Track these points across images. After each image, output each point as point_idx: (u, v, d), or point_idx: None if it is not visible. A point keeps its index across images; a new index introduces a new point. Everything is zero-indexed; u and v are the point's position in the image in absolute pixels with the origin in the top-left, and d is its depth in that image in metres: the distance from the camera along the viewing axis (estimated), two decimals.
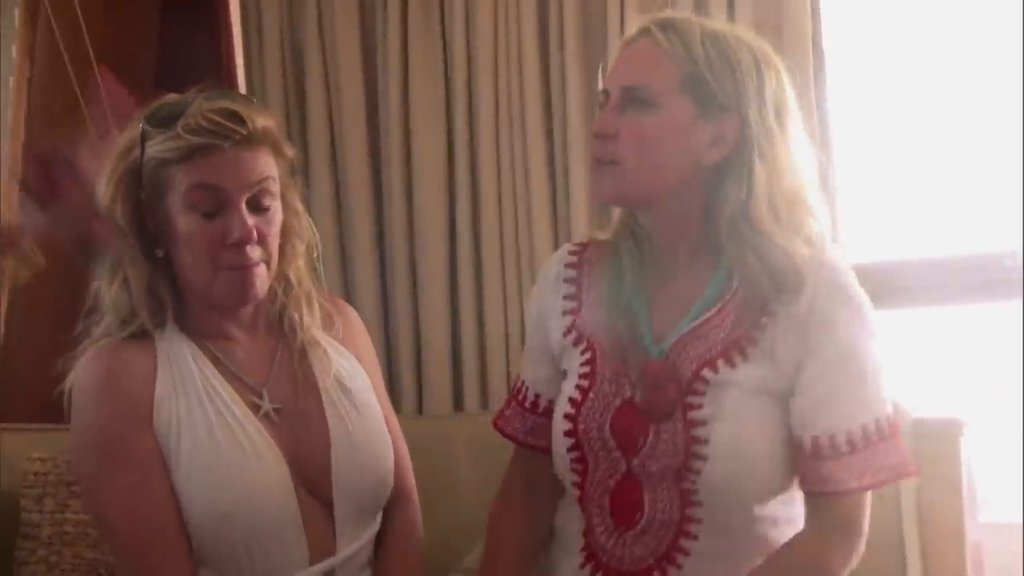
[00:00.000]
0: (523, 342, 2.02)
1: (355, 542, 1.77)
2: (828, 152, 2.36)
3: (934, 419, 2.08)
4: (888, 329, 1.80)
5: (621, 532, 1.69)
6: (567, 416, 1.71)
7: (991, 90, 2.43)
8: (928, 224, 2.51)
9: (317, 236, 1.87)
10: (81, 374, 1.72)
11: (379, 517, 1.85)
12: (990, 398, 2.42)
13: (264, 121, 1.70)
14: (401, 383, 2.57)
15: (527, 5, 2.46)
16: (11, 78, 2.62)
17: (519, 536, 1.83)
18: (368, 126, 2.62)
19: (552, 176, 2.49)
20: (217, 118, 1.65)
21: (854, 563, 1.61)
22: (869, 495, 1.60)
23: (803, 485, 1.61)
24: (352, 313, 1.97)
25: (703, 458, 1.61)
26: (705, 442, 1.61)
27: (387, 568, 1.84)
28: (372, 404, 1.84)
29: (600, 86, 1.73)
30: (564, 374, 1.79)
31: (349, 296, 2.56)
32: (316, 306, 1.85)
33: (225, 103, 1.70)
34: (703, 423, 1.62)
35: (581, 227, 2.44)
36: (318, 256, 1.90)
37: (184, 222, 1.66)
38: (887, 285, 2.19)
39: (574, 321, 1.78)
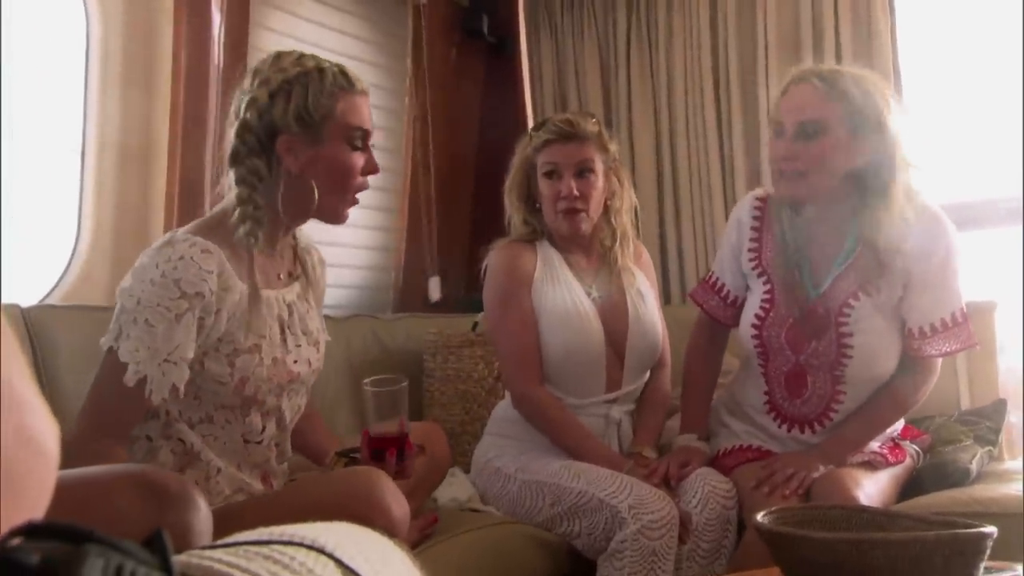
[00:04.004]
0: (706, 267, 2.51)
1: (632, 384, 2.16)
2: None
3: (978, 301, 2.32)
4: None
5: (792, 400, 1.99)
6: (754, 325, 1.98)
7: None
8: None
9: (637, 203, 2.20)
10: (493, 257, 2.18)
11: (648, 374, 2.19)
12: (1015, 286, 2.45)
13: (588, 126, 2.09)
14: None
15: (705, 60, 2.97)
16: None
17: (706, 363, 2.19)
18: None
19: (720, 151, 2.97)
20: (557, 125, 2.12)
21: (929, 389, 1.98)
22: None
23: (907, 352, 1.94)
24: (647, 254, 2.33)
25: (849, 357, 1.91)
26: (851, 347, 1.91)
27: (644, 399, 2.22)
28: (654, 306, 2.22)
29: (772, 118, 1.94)
30: (748, 289, 2.03)
31: None
32: (631, 246, 2.20)
33: (564, 116, 2.14)
34: (849, 335, 1.91)
35: (740, 191, 2.79)
36: (637, 217, 2.22)
37: (542, 184, 2.15)
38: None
39: (758, 257, 2.01)
